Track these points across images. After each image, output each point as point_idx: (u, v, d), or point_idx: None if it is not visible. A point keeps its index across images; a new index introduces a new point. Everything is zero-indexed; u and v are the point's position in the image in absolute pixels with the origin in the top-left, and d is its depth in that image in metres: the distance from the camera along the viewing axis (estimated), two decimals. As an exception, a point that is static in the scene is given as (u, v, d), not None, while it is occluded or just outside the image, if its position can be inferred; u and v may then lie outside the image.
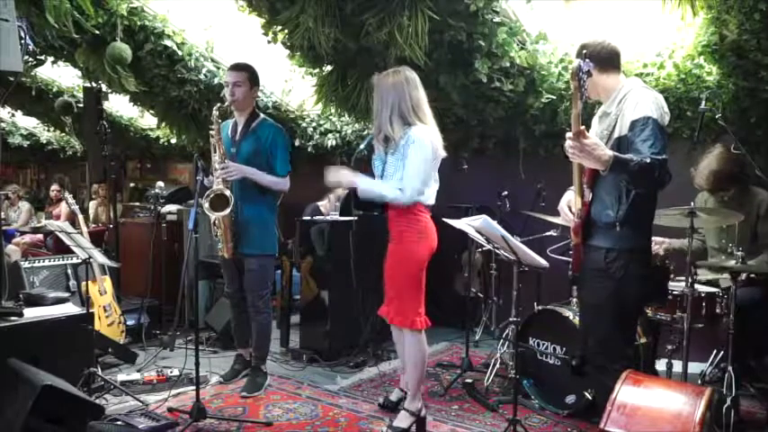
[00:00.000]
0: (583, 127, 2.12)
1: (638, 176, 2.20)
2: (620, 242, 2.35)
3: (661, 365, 3.30)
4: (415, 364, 2.96)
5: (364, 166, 3.03)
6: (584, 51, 2.19)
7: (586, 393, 3.01)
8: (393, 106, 2.80)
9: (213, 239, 3.53)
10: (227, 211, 3.27)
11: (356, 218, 4.07)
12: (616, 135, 2.36)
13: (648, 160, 2.17)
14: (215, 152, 3.34)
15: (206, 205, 3.26)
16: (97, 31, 4.25)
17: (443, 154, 2.93)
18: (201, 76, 4.95)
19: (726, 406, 2.79)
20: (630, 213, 2.33)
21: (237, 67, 3.43)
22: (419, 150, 2.77)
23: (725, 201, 3.33)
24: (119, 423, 2.89)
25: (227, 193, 3.27)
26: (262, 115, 3.54)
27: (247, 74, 3.40)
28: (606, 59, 2.39)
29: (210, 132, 3.34)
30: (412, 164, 2.77)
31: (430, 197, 2.93)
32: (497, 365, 3.62)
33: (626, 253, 2.36)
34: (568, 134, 2.14)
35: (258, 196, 3.44)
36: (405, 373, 3.19)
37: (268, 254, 3.52)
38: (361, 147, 3.01)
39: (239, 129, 3.48)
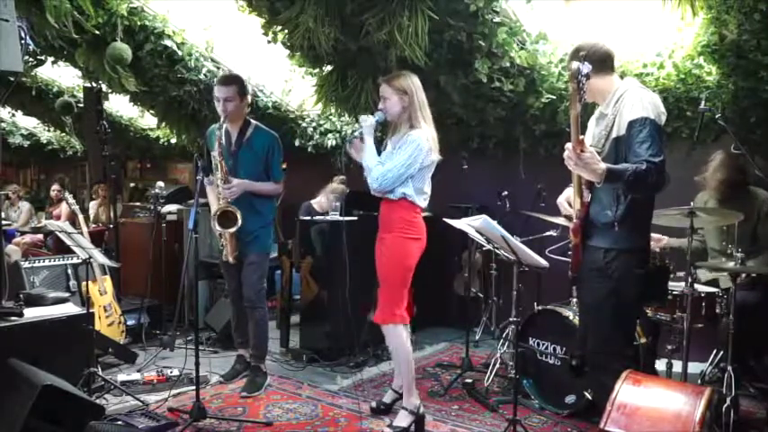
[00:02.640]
0: (582, 136, 2.12)
1: (633, 185, 2.21)
2: (619, 242, 2.35)
3: (661, 365, 3.31)
4: (403, 358, 3.01)
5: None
6: (582, 54, 2.18)
7: (586, 393, 3.01)
8: (408, 107, 2.93)
9: (213, 239, 3.56)
10: (235, 228, 3.35)
11: (356, 218, 4.08)
12: (614, 136, 2.36)
13: (644, 166, 2.17)
14: (218, 170, 3.40)
15: (216, 225, 3.36)
16: (97, 31, 4.25)
17: (437, 158, 2.99)
18: (201, 76, 4.95)
19: (726, 406, 2.78)
20: (628, 213, 2.33)
21: (226, 82, 3.44)
22: (412, 149, 2.87)
23: (727, 202, 3.33)
24: (119, 423, 2.89)
25: (238, 215, 3.34)
26: (254, 122, 3.58)
27: (236, 87, 3.43)
28: (601, 61, 2.38)
29: (213, 155, 3.42)
30: (399, 157, 2.89)
31: (421, 200, 2.99)
32: (497, 365, 3.62)
33: (624, 253, 2.35)
34: (568, 144, 2.15)
35: (258, 203, 3.54)
36: (396, 368, 3.22)
37: (266, 251, 3.62)
38: (356, 133, 3.03)
39: (233, 139, 3.52)
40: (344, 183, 4.97)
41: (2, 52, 2.68)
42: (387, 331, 3.01)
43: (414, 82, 2.95)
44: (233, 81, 3.45)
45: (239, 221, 3.34)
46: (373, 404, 3.28)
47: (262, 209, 3.56)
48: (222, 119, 3.39)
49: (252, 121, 3.59)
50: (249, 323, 3.59)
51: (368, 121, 2.97)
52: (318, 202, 4.96)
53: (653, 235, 3.33)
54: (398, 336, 2.99)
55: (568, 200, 2.61)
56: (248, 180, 3.45)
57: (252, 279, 3.53)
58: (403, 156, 2.87)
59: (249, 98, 3.63)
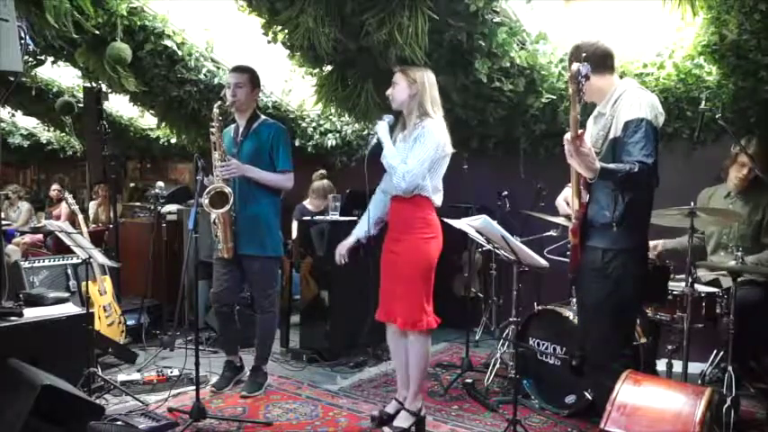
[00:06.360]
0: (582, 130, 2.13)
1: (625, 184, 2.27)
2: (617, 242, 2.36)
3: (661, 365, 3.30)
4: (419, 365, 2.92)
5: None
6: (583, 53, 2.19)
7: (586, 393, 3.01)
8: (417, 97, 2.88)
9: (213, 239, 3.53)
10: (227, 207, 3.27)
11: (356, 218, 4.08)
12: (611, 136, 2.37)
13: (636, 169, 2.20)
14: (215, 150, 3.35)
15: (206, 202, 3.25)
16: (97, 31, 4.24)
17: (451, 151, 2.92)
18: (201, 76, 4.96)
19: (726, 406, 2.79)
20: (627, 214, 2.34)
21: (239, 69, 3.45)
22: (431, 141, 2.80)
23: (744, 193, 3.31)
24: (119, 423, 2.89)
25: (227, 190, 3.27)
26: (263, 116, 3.55)
27: (249, 75, 3.43)
28: (600, 61, 2.39)
29: (211, 131, 3.35)
30: (421, 150, 2.80)
31: (437, 197, 2.93)
32: (497, 365, 3.62)
33: (623, 253, 2.36)
34: (567, 135, 2.15)
35: (260, 196, 3.43)
36: (401, 378, 3.10)
37: (269, 256, 3.49)
38: (373, 141, 2.97)
39: (241, 130, 3.49)
40: (324, 177, 5.07)
41: (2, 52, 2.68)
42: (411, 337, 2.91)
43: (428, 76, 2.92)
44: (246, 69, 3.45)
45: (230, 201, 3.25)
46: (375, 413, 3.12)
47: (262, 200, 3.43)
48: (228, 103, 3.36)
49: (261, 115, 3.55)
50: (257, 324, 3.55)
51: (380, 126, 2.93)
52: (311, 201, 4.97)
53: None
54: (423, 345, 2.91)
55: (567, 200, 2.62)
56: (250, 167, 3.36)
57: (259, 286, 3.48)
58: (424, 148, 2.79)
59: (259, 92, 3.58)
